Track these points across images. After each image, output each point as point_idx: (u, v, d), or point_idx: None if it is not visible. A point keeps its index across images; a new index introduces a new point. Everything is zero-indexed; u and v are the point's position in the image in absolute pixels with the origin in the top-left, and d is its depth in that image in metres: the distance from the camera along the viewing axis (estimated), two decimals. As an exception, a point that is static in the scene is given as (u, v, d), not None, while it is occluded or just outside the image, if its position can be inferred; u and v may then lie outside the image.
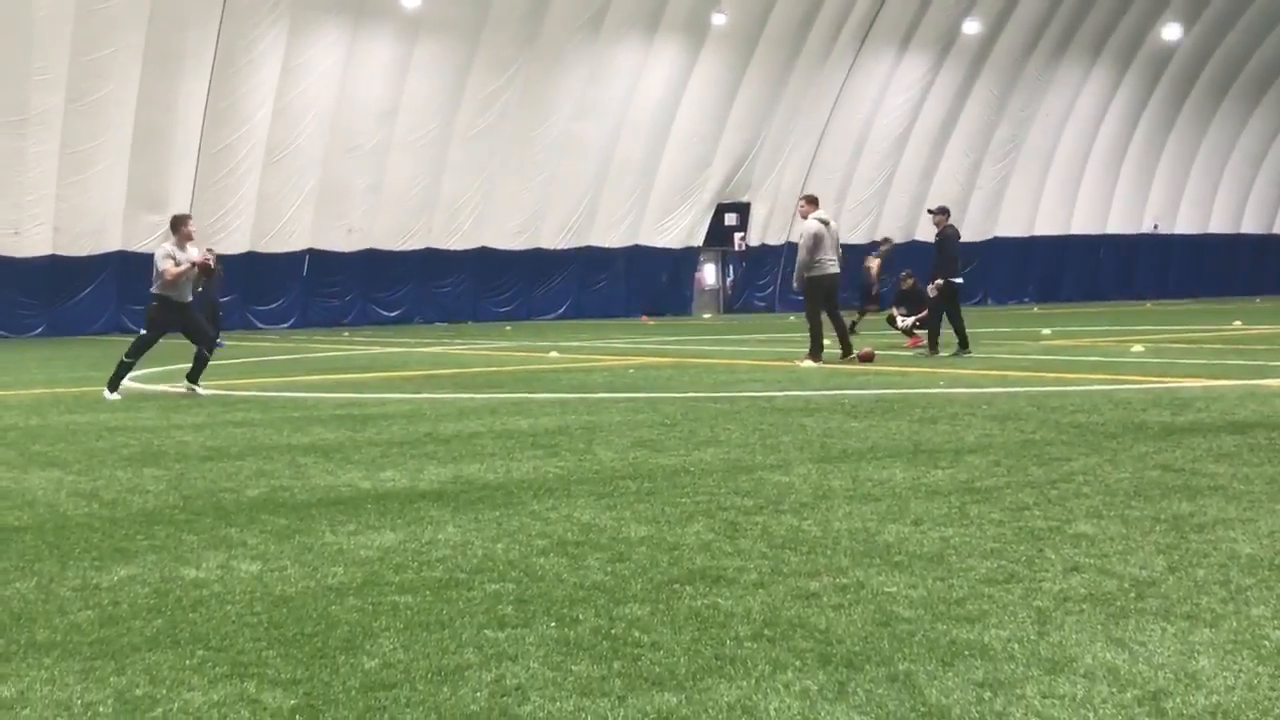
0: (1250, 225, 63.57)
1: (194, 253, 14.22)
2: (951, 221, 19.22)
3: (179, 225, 14.29)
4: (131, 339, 14.87)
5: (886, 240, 31.29)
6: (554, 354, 21.63)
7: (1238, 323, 27.91)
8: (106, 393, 13.88)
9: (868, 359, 17.31)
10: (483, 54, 41.04)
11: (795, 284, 18.18)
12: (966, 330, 18.65)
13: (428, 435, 9.78)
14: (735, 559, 5.16)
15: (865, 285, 27.22)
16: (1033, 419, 9.94)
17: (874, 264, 27.32)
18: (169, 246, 14.05)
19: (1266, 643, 3.80)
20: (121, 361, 14.15)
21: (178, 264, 13.86)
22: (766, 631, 4.05)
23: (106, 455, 9.08)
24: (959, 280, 18.79)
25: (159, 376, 16.65)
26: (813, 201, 18.16)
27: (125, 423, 11.27)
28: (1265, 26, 57.64)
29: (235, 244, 38.27)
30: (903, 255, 34.19)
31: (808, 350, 17.47)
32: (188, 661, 3.92)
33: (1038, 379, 14.02)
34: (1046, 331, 26.08)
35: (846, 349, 17.49)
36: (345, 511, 6.49)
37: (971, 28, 49.40)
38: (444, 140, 41.33)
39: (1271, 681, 3.45)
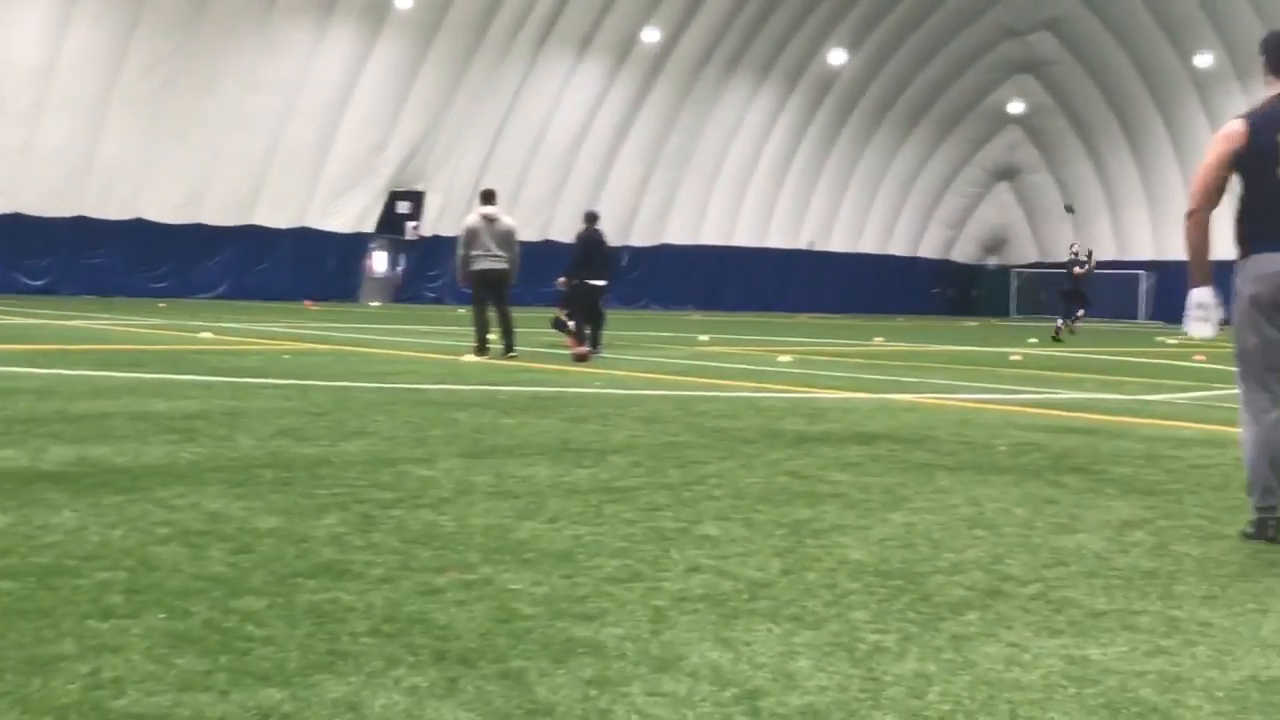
0: (897, 248, 67.22)
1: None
2: (599, 227, 19.47)
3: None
4: None
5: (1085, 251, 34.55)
6: (207, 334, 20.92)
7: (879, 339, 29.44)
8: None
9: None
10: (149, 16, 39.26)
11: (459, 278, 18.30)
12: (601, 333, 19.11)
13: (56, 413, 9.29)
14: (365, 553, 5.10)
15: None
16: (678, 422, 10.22)
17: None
18: None
19: (862, 645, 4.00)
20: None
21: None
22: (385, 627, 4.01)
23: None
24: (598, 283, 19.05)
25: None
26: (481, 196, 18.30)
27: None
28: (919, 61, 61.09)
29: None
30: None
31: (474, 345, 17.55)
32: None
33: (690, 384, 14.42)
34: (704, 338, 26.85)
35: (509, 346, 17.58)
36: (-48, 491, 6.08)
37: (649, 36, 50.46)
38: (103, 103, 39.34)
39: (862, 683, 3.63)
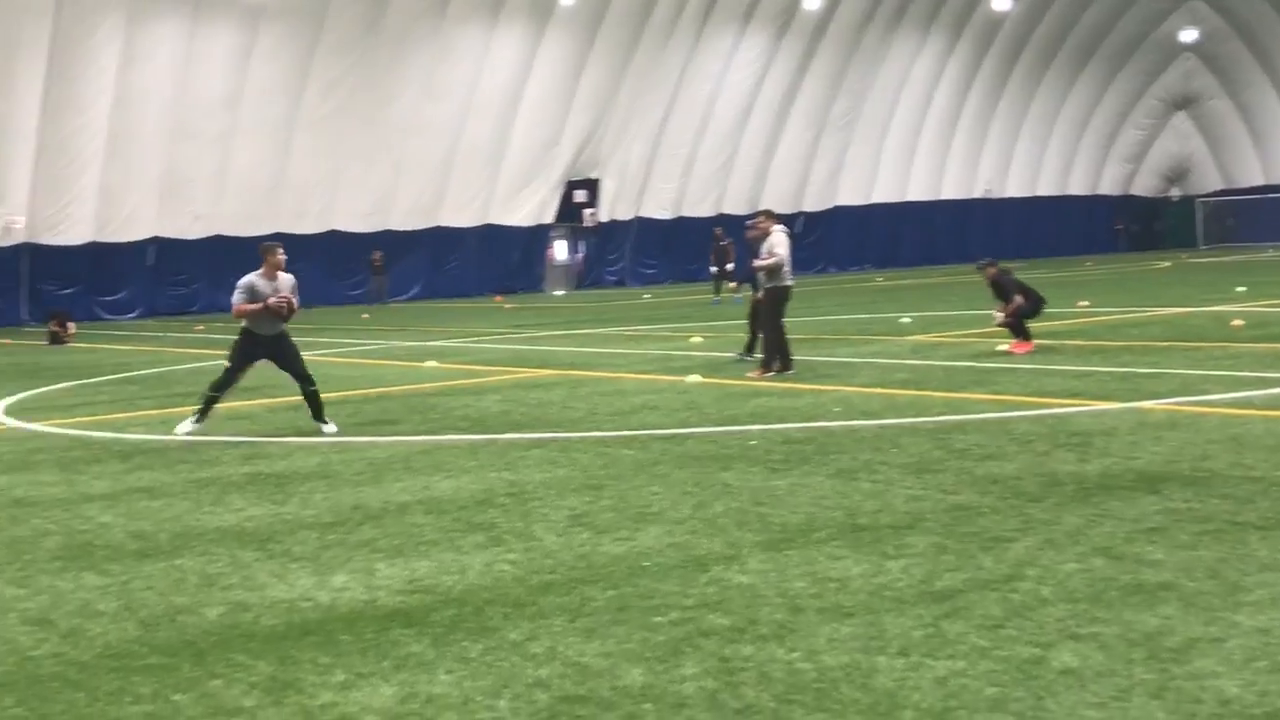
0: (1076, 187, 65.76)
1: (285, 283, 13.54)
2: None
3: (267, 254, 13.54)
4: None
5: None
6: (431, 363, 21.36)
7: (1084, 302, 28.10)
8: (185, 425, 13.60)
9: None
10: (327, 38, 40.36)
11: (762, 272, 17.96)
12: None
13: (356, 509, 9.56)
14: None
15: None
16: (948, 469, 9.96)
17: None
18: (251, 278, 13.41)
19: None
20: (207, 395, 13.86)
21: (254, 300, 13.34)
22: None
23: (32, 548, 8.70)
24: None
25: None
26: (772, 216, 18.36)
27: (30, 492, 10.85)
28: (1087, -1, 59.53)
29: (78, 234, 37.20)
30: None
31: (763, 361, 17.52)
32: None
33: (925, 400, 14.13)
34: (906, 320, 26.15)
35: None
36: (323, 648, 6.20)
37: (810, 3, 50.01)
38: (289, 125, 40.58)
39: None
